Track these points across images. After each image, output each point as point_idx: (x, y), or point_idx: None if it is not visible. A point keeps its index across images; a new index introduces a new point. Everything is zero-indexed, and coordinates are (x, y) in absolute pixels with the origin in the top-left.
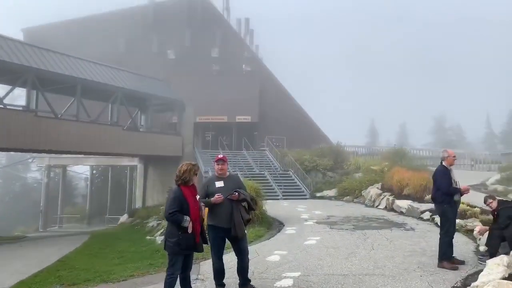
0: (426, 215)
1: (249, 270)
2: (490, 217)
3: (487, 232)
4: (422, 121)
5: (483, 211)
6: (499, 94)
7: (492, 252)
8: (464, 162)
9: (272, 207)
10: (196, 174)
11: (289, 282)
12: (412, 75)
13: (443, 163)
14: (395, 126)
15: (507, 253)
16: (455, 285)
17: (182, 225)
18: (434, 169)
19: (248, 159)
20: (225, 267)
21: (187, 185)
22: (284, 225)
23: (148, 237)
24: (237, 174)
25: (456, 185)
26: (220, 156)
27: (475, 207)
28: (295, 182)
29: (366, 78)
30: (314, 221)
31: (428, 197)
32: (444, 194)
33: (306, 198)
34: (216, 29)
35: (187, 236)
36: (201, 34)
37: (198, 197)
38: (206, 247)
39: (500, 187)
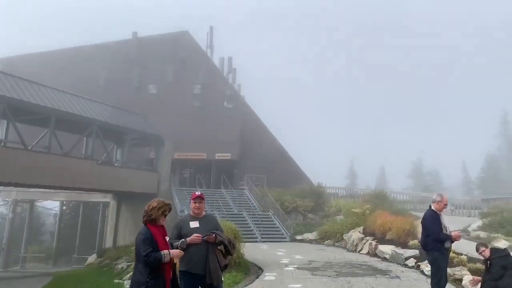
0: (411, 262)
1: None
2: (478, 265)
3: (480, 283)
4: (401, 165)
5: (470, 259)
6: (475, 140)
7: None
8: None
9: (250, 251)
10: (165, 215)
11: None
12: (391, 119)
13: (432, 207)
14: (373, 169)
15: None
16: None
17: (164, 261)
18: (416, 213)
19: (227, 198)
20: None
21: (154, 224)
22: (263, 271)
23: (116, 281)
24: (214, 214)
25: (446, 231)
26: (198, 193)
27: (461, 254)
28: (275, 224)
29: (346, 120)
30: (295, 266)
31: (412, 242)
32: (434, 241)
33: (285, 241)
34: (199, 66)
35: (156, 283)
36: (184, 70)
37: (167, 238)
38: None
39: (482, 234)
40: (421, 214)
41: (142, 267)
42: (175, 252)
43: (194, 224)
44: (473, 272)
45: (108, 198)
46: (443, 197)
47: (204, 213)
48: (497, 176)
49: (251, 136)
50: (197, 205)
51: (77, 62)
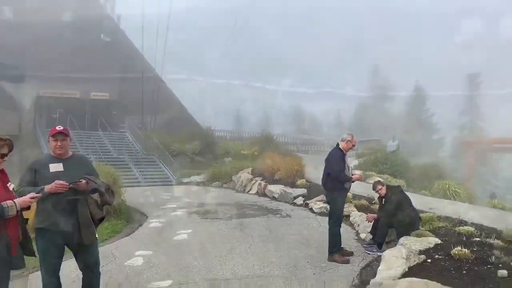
0: (299, 201)
1: (102, 282)
2: (362, 201)
3: (374, 219)
4: (283, 110)
5: (354, 196)
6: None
7: (380, 241)
8: (323, 148)
9: (132, 196)
10: (2, 155)
11: None
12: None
13: (340, 146)
14: (258, 113)
15: (393, 241)
16: (354, 284)
17: (7, 216)
18: (300, 155)
19: (105, 141)
20: (67, 279)
21: None
22: (147, 217)
23: None
24: (85, 156)
25: (349, 170)
26: (60, 128)
27: None
28: (160, 168)
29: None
30: (184, 210)
31: (300, 181)
32: (334, 181)
33: (172, 185)
34: None
35: None
36: None
37: (11, 185)
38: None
39: (358, 172)
40: (305, 155)
41: None
42: (23, 199)
43: (56, 167)
44: (358, 208)
45: None
46: (353, 137)
47: (71, 153)
48: (365, 122)
49: (133, 75)
50: (58, 143)
51: None
